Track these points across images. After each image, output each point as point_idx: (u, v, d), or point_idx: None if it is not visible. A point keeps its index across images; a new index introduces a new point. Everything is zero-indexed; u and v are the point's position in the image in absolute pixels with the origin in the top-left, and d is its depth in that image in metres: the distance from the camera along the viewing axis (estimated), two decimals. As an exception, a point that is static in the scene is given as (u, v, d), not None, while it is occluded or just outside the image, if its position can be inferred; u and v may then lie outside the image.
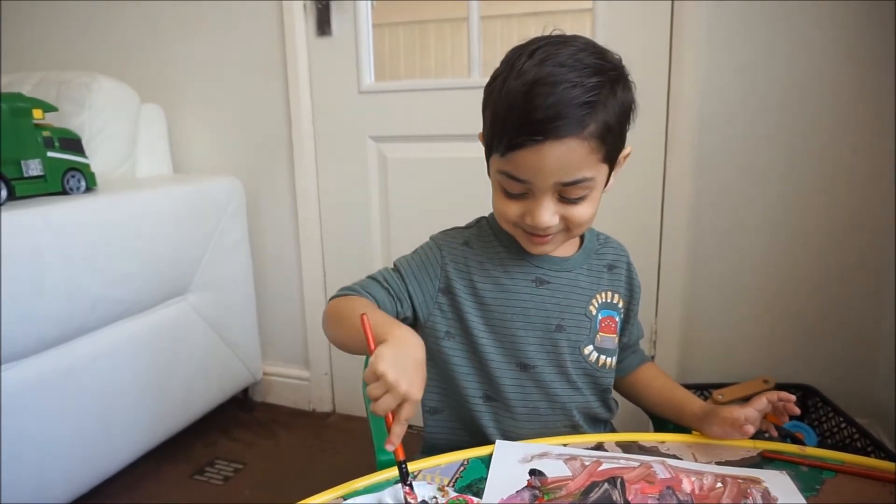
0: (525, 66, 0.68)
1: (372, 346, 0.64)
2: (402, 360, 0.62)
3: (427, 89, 1.68)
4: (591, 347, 0.81)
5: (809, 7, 1.36)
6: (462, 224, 0.88)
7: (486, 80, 0.75)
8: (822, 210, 1.45)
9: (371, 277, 0.82)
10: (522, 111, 0.66)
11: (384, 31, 2.83)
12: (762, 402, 0.73)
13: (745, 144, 1.46)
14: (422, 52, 2.86)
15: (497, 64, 0.74)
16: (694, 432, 0.76)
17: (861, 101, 1.38)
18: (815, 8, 1.36)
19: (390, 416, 0.61)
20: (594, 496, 0.59)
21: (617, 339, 0.84)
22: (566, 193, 0.70)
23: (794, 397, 0.74)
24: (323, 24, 1.72)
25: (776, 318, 1.54)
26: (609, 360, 0.82)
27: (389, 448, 0.60)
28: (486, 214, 0.86)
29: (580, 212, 0.72)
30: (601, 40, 1.56)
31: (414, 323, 0.82)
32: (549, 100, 0.65)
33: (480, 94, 0.78)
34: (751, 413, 0.71)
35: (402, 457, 0.61)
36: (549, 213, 0.70)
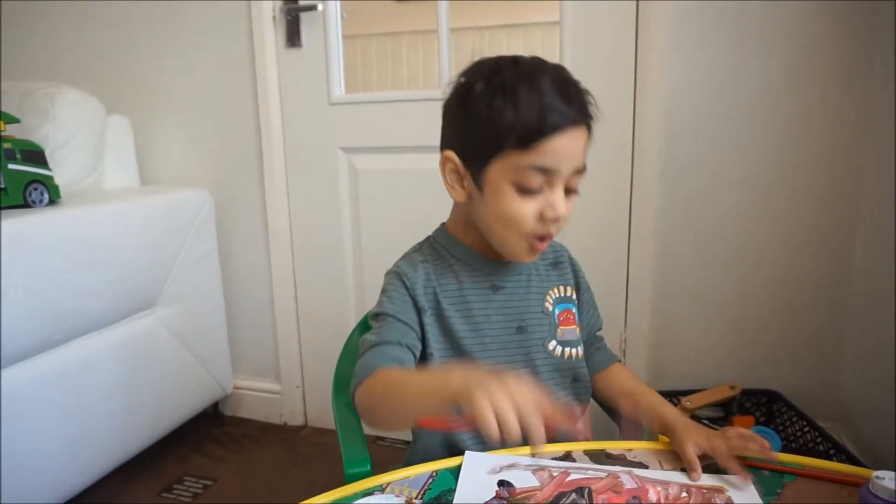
0: (525, 66, 0.74)
1: (455, 424, 0.58)
2: (494, 381, 0.56)
3: (396, 101, 1.69)
4: (554, 342, 0.83)
5: (775, 16, 1.39)
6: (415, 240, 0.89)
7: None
8: (788, 219, 1.49)
9: (384, 342, 0.77)
10: (558, 98, 0.71)
11: (356, 43, 2.83)
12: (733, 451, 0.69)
13: (713, 153, 1.49)
14: (394, 64, 2.87)
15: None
16: (661, 438, 0.78)
17: (830, 109, 1.41)
18: (781, 16, 1.39)
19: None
20: (562, 506, 0.60)
21: (579, 330, 0.87)
22: (572, 183, 0.74)
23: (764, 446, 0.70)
24: (293, 36, 1.72)
25: (743, 325, 1.57)
26: (574, 350, 0.85)
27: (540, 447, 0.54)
28: (429, 235, 0.88)
29: (571, 206, 0.75)
30: (569, 52, 1.58)
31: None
32: (575, 87, 0.73)
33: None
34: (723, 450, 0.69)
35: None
36: (565, 203, 0.74)
